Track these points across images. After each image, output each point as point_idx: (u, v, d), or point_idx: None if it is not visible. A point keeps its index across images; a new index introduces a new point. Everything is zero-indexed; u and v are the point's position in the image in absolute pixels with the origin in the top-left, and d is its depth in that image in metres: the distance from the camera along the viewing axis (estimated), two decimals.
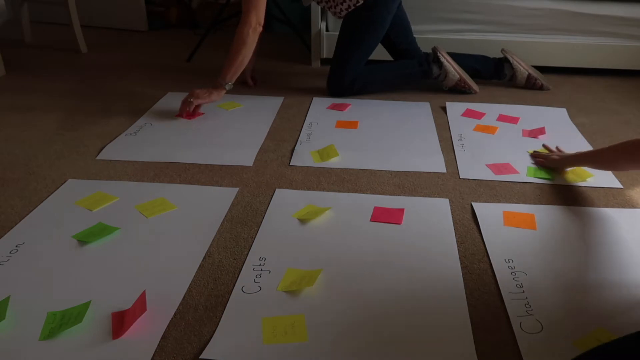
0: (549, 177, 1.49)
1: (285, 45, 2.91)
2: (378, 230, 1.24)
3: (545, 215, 1.31)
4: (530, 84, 2.22)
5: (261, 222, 1.27)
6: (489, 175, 1.50)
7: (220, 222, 1.26)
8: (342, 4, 2.00)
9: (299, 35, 2.75)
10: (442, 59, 2.10)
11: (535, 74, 2.22)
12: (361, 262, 1.12)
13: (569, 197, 1.40)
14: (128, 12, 3.17)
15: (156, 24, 3.26)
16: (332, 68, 2.11)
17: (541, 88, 2.22)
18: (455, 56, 2.15)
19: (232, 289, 1.04)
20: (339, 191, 1.41)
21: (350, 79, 2.07)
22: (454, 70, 2.11)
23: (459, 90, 2.16)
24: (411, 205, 1.34)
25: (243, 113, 1.94)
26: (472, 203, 1.35)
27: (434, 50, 2.13)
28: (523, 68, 2.21)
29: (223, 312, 0.98)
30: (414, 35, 2.23)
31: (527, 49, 2.39)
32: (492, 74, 2.25)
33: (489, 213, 1.31)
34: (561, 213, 1.32)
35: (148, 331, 0.93)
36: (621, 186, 1.46)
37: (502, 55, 2.25)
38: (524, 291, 1.04)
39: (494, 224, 1.26)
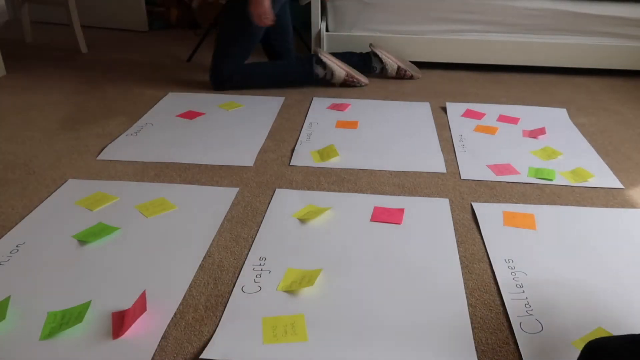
0: (550, 178, 1.49)
1: None
2: (378, 230, 1.24)
3: (545, 215, 1.31)
4: (400, 75, 2.34)
5: (261, 222, 1.27)
6: (490, 176, 1.50)
7: (220, 222, 1.26)
8: None
9: (299, 35, 2.75)
10: (325, 59, 2.16)
11: (404, 65, 2.34)
12: (361, 262, 1.12)
13: (570, 197, 1.40)
14: (128, 12, 3.17)
15: (156, 24, 3.26)
16: (214, 61, 2.11)
17: (411, 77, 2.35)
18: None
19: (232, 289, 1.04)
20: (339, 191, 1.41)
21: (230, 72, 2.10)
22: (339, 67, 2.18)
23: (349, 85, 2.23)
24: (411, 205, 1.34)
25: (243, 113, 1.94)
26: (472, 203, 1.35)
27: (315, 53, 2.19)
28: (392, 61, 2.32)
29: (223, 312, 0.98)
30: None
31: (527, 49, 2.39)
32: (362, 68, 2.32)
33: (488, 213, 1.31)
34: (562, 213, 1.32)
35: (148, 331, 0.93)
36: (622, 186, 1.46)
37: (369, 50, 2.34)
38: (524, 291, 1.04)
39: (494, 224, 1.26)
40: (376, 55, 2.32)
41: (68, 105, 1.99)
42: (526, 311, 0.99)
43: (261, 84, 2.18)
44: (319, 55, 2.17)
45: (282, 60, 2.26)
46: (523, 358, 0.89)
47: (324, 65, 2.17)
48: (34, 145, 1.66)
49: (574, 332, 0.94)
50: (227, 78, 2.11)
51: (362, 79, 2.24)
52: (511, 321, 0.97)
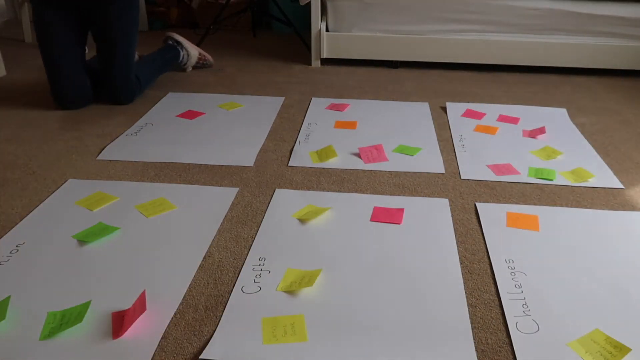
0: (550, 178, 1.49)
1: (285, 45, 2.91)
2: (378, 230, 1.24)
3: (546, 215, 1.31)
4: (201, 62, 2.38)
5: (261, 222, 1.27)
6: (490, 176, 1.50)
7: (220, 222, 1.26)
8: None
9: (299, 35, 2.76)
10: (179, 39, 2.26)
11: (201, 51, 2.39)
12: (361, 262, 1.12)
13: (570, 197, 1.40)
14: None
15: (156, 24, 3.27)
16: (117, 72, 1.93)
17: (210, 65, 2.41)
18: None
19: (232, 289, 1.04)
20: (339, 191, 1.41)
21: (135, 78, 2.02)
22: (190, 46, 2.29)
23: (201, 66, 2.33)
24: (411, 205, 1.34)
25: (243, 113, 1.94)
26: (476, 203, 1.35)
27: (170, 36, 2.26)
28: (193, 48, 2.34)
29: (223, 312, 0.98)
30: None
31: (527, 49, 2.39)
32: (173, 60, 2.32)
33: (492, 214, 1.31)
34: (562, 214, 1.32)
35: (148, 331, 0.93)
36: (622, 187, 1.46)
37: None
38: (522, 292, 1.04)
39: (497, 225, 1.26)
40: (178, 42, 2.29)
41: None
42: (523, 311, 0.99)
43: (153, 80, 2.19)
44: (174, 37, 2.25)
45: (158, 51, 2.25)
46: (517, 358, 0.89)
47: (181, 45, 2.26)
48: (34, 145, 1.66)
49: (571, 334, 0.94)
50: (136, 86, 2.03)
51: (208, 56, 2.36)
52: (507, 321, 0.97)
